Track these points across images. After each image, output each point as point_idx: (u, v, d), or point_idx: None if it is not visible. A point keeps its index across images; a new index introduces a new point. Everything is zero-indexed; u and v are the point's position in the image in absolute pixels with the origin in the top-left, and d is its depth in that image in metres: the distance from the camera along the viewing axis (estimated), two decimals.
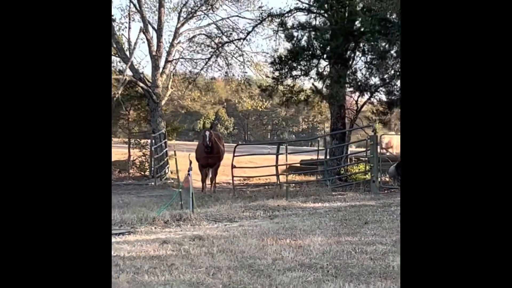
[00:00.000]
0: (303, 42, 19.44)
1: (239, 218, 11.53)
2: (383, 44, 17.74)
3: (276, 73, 20.83)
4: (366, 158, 19.95)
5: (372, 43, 18.01)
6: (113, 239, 8.86)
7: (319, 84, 21.62)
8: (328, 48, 17.82)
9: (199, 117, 74.90)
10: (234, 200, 15.16)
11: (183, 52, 28.23)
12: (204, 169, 19.64)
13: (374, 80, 20.74)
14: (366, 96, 21.76)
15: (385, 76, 20.10)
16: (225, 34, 24.93)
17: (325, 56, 18.65)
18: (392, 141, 29.54)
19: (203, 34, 27.96)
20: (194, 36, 28.33)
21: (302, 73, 20.06)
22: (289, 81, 21.33)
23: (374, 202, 13.91)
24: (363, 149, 30.91)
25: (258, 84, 24.76)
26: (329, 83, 20.03)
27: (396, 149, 28.27)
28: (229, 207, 12.90)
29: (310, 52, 18.86)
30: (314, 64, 19.95)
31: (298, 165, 27.85)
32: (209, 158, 19.29)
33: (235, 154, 20.02)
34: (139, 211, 11.76)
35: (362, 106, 22.55)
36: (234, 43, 25.51)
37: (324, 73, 20.46)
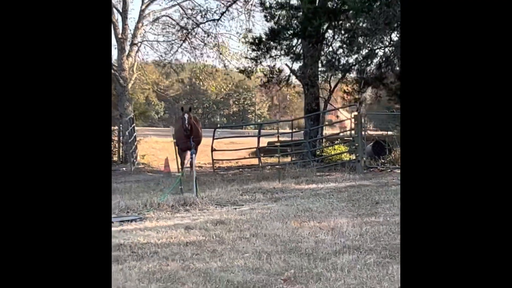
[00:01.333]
0: (282, 22, 19.07)
1: (242, 201, 11.30)
2: (366, 21, 17.50)
3: (253, 54, 20.46)
4: (351, 139, 19.79)
5: (355, 20, 17.80)
6: (129, 226, 8.58)
7: (293, 64, 21.31)
8: (309, 28, 17.50)
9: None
10: (226, 183, 14.84)
11: (148, 35, 27.64)
12: (184, 153, 19.22)
13: (351, 58, 20.57)
14: (342, 76, 21.59)
15: (363, 53, 19.98)
16: (195, 16, 24.30)
17: (305, 35, 18.29)
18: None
19: (168, 16, 27.44)
20: (157, 18, 27.75)
21: (283, 53, 19.73)
22: (268, 62, 20.93)
23: (368, 182, 13.83)
24: (337, 131, 31.03)
25: (236, 66, 24.28)
26: (306, 62, 19.74)
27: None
28: (225, 190, 12.60)
29: (292, 32, 18.51)
30: (293, 44, 19.64)
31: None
32: (188, 142, 18.83)
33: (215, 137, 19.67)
34: (140, 197, 11.42)
35: (336, 85, 22.38)
36: (200, 27, 24.96)
37: (301, 52, 20.14)
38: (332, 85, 22.35)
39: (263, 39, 19.52)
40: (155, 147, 31.44)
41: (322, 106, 22.41)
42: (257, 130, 26.88)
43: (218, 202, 11.03)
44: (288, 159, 22.50)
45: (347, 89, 23.24)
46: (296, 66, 21.43)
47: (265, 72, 21.07)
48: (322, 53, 20.26)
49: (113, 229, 8.34)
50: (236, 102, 79.28)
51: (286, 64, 21.54)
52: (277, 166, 16.85)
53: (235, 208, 10.31)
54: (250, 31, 22.42)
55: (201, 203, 10.60)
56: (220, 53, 25.48)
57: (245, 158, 24.44)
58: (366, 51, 20.55)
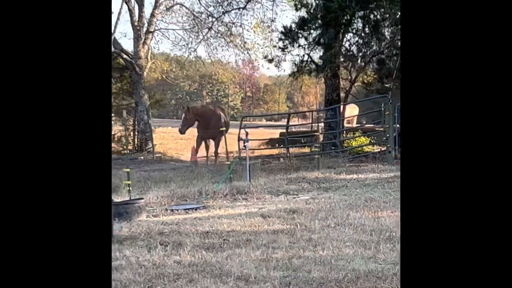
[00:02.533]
0: (312, 11, 18.80)
1: (293, 191, 11.13)
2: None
3: (280, 43, 20.20)
4: (382, 130, 19.53)
5: (387, 8, 17.57)
6: (198, 214, 8.46)
7: (310, 52, 20.97)
8: (341, 17, 17.28)
9: None
10: (267, 173, 14.53)
11: (165, 24, 27.32)
12: (201, 141, 19.34)
13: (376, 48, 20.29)
14: (364, 66, 21.34)
15: (386, 43, 19.79)
16: (221, 3, 23.91)
17: (336, 24, 18.02)
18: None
19: (182, 5, 27.17)
20: (171, 6, 27.46)
21: (313, 42, 19.42)
22: (296, 51, 20.66)
23: None
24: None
25: (264, 54, 23.82)
26: (332, 52, 19.43)
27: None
28: (269, 180, 12.40)
29: (324, 21, 18.20)
30: (321, 34, 19.31)
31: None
32: (206, 132, 19.12)
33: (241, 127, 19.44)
34: (185, 186, 11.26)
35: (357, 76, 22.11)
36: (216, 20, 24.64)
37: (327, 42, 19.85)
38: (353, 76, 22.07)
39: (292, 28, 19.21)
40: (155, 137, 31.23)
41: (342, 97, 22.21)
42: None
43: (270, 191, 10.86)
44: (306, 149, 22.40)
45: (368, 80, 23.05)
46: (316, 55, 21.16)
47: (296, 62, 20.73)
48: (348, 42, 20.05)
49: (185, 216, 8.20)
50: (209, 94, 78.60)
51: (308, 55, 21.23)
52: (317, 156, 16.56)
53: (294, 197, 10.16)
54: (273, 20, 22.17)
55: (256, 192, 10.43)
56: (245, 43, 25.22)
57: (260, 148, 24.22)
58: (389, 41, 20.36)
